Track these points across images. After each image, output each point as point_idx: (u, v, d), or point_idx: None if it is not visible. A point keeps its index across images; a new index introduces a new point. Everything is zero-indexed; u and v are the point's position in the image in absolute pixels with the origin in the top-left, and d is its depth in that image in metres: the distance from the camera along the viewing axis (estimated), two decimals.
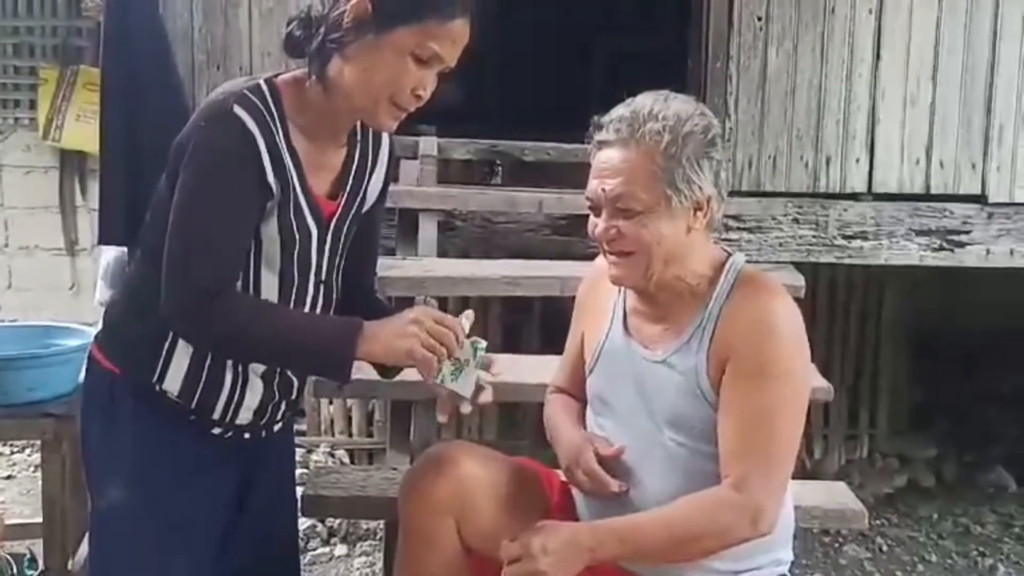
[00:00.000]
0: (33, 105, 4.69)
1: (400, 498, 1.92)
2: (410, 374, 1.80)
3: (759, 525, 1.69)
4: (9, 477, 4.11)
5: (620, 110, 1.78)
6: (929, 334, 4.52)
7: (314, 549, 3.58)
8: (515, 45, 5.99)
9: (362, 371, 1.76)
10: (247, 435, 1.89)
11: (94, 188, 4.20)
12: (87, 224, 4.62)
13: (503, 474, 1.92)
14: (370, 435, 4.19)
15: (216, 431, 1.86)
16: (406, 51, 1.66)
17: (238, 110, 1.67)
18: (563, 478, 1.96)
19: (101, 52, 3.17)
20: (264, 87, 1.72)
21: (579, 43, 6.28)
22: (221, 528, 1.90)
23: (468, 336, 1.71)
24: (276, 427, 1.96)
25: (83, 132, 4.36)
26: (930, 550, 3.81)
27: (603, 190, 1.75)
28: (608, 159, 1.75)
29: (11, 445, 4.28)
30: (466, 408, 1.74)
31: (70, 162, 4.74)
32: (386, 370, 1.91)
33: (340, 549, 3.60)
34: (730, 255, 1.84)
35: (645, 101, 1.77)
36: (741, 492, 1.68)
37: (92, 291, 3.82)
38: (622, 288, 1.89)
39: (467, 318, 1.73)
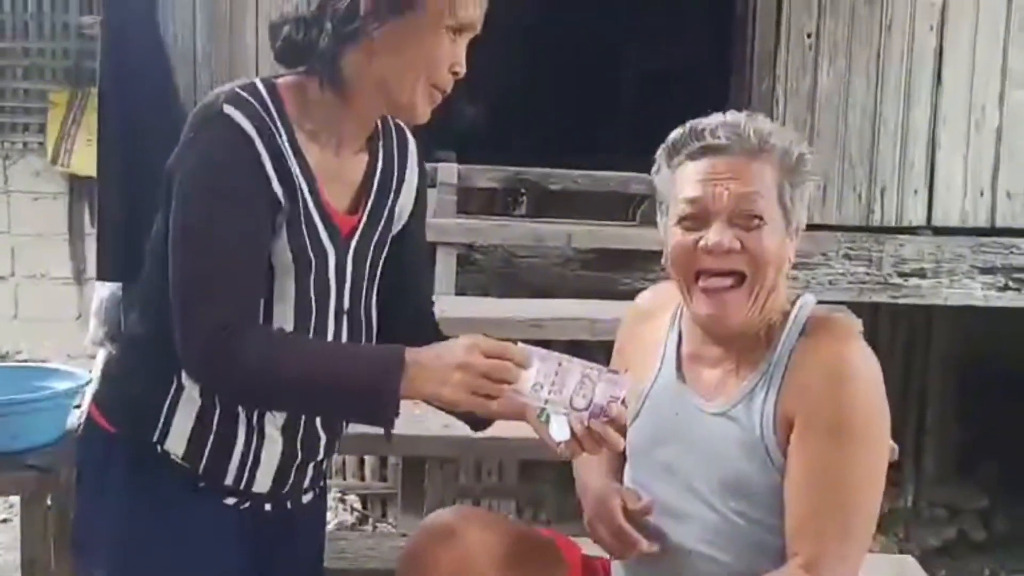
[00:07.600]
0: (42, 129, 4.77)
1: (399, 570, 1.75)
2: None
3: None
4: (5, 521, 3.96)
5: (722, 117, 1.62)
6: (978, 372, 4.39)
7: None
8: (541, 67, 5.93)
9: None
10: (268, 506, 1.66)
11: None
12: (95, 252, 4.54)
13: (513, 543, 1.74)
14: (383, 479, 4.07)
15: (230, 501, 1.62)
16: (442, 22, 1.50)
17: (229, 109, 1.47)
18: (584, 551, 1.79)
19: (98, 75, 3.09)
20: (260, 85, 1.53)
21: (607, 60, 6.08)
22: None
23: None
24: (305, 497, 1.72)
25: (93, 157, 4.23)
26: None
27: (727, 189, 1.57)
28: (725, 164, 1.59)
29: None
30: (565, 453, 1.53)
31: (79, 188, 4.79)
32: (476, 421, 1.69)
33: None
34: (799, 295, 1.68)
35: (741, 116, 1.62)
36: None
37: None
38: (675, 326, 1.71)
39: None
